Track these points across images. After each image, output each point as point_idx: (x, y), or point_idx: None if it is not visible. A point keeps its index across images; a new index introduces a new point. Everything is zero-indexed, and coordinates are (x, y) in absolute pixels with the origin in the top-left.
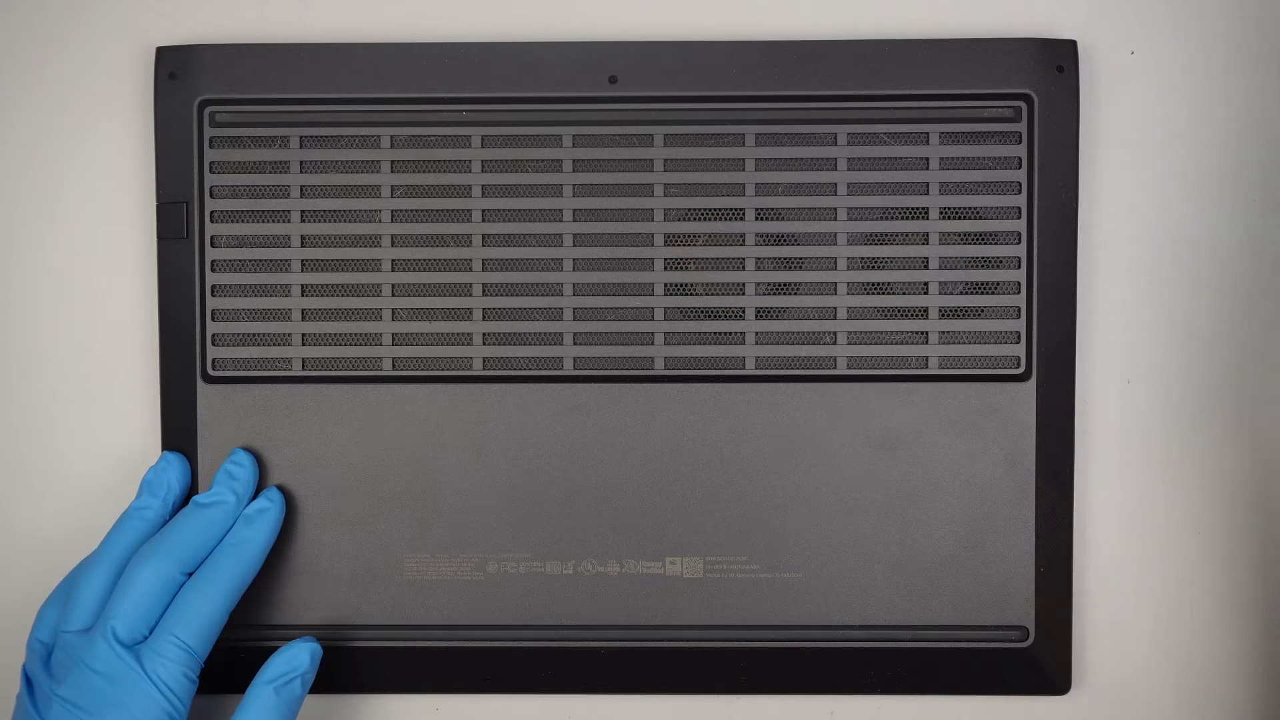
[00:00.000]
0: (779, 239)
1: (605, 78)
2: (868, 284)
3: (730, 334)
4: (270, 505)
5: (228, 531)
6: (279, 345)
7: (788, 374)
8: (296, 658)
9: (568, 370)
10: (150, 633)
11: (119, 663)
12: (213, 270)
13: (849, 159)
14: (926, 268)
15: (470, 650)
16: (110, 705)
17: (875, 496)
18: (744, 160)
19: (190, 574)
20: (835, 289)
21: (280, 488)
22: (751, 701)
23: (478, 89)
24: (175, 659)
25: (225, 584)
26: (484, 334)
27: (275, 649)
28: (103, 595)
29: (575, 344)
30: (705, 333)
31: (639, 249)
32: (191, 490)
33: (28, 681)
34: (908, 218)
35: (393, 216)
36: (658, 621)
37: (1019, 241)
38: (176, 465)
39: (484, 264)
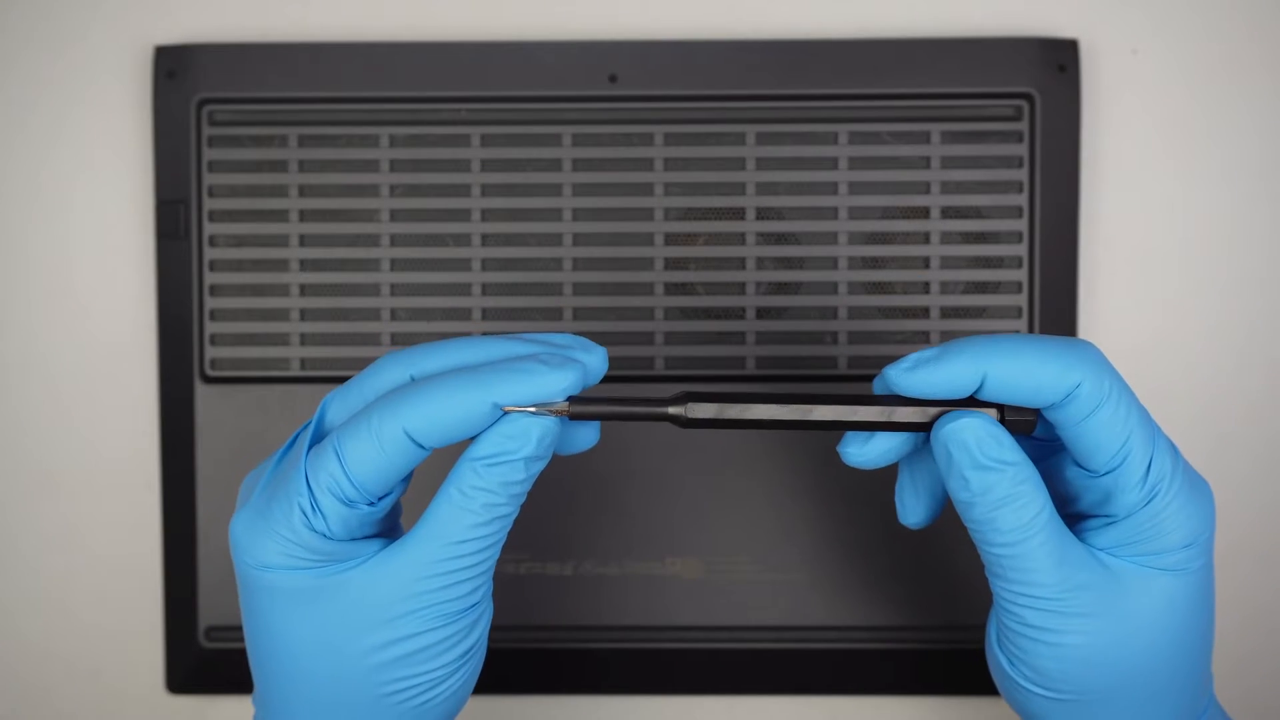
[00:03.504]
0: (779, 238)
1: (605, 77)
2: (868, 284)
3: (730, 334)
4: (556, 367)
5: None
6: (277, 345)
7: (788, 374)
8: (515, 434)
9: None
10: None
11: (299, 445)
12: (211, 270)
13: (850, 158)
14: (927, 268)
15: None
16: (266, 490)
17: (875, 497)
18: (744, 159)
19: None
20: (836, 289)
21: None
22: (751, 702)
23: (477, 88)
24: (325, 465)
25: (421, 399)
26: (484, 334)
27: None
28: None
29: None
30: (705, 333)
31: (639, 249)
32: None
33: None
34: (908, 217)
35: (392, 216)
36: (658, 622)
37: (1020, 241)
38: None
39: (483, 264)
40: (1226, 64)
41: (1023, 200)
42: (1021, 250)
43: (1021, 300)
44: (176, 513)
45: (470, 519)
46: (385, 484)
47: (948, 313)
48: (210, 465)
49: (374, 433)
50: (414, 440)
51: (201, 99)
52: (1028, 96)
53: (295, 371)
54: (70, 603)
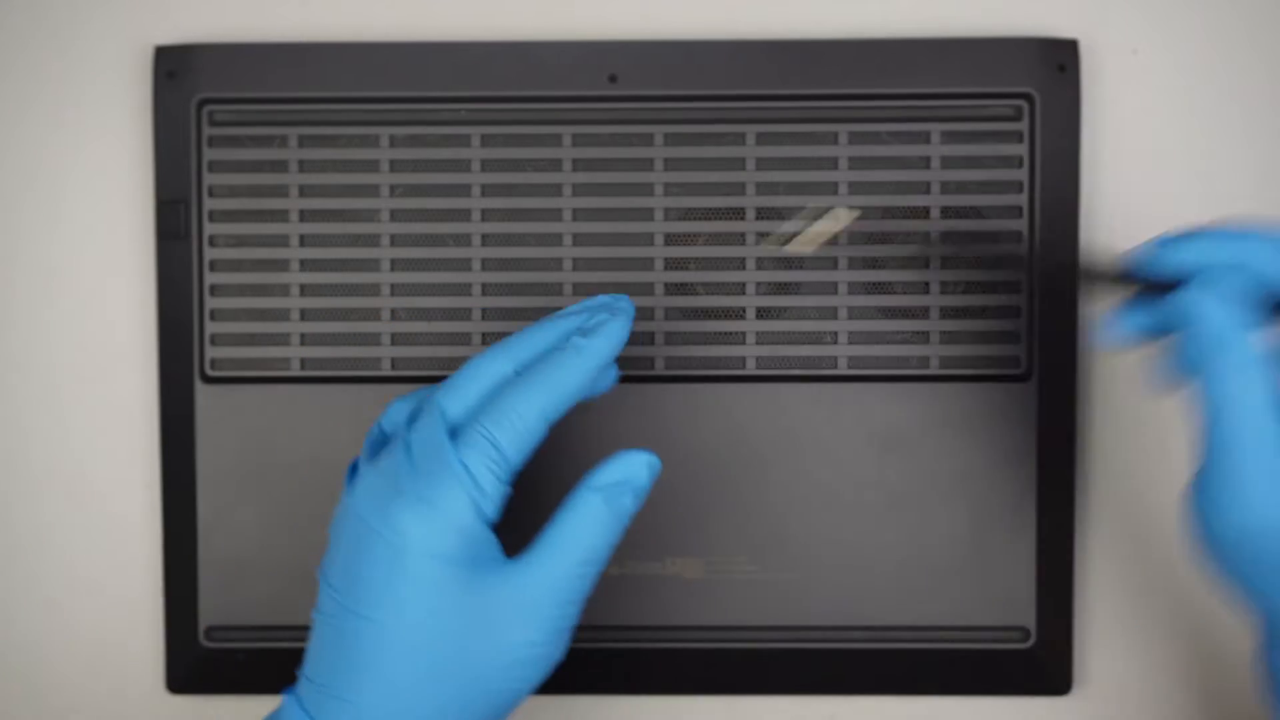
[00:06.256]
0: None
1: (605, 77)
2: (868, 284)
3: (730, 334)
4: (612, 317)
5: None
6: (278, 345)
7: (788, 374)
8: (632, 466)
9: None
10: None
11: (435, 438)
12: (211, 270)
13: (850, 158)
14: (927, 268)
15: None
16: (419, 480)
17: (875, 496)
18: (744, 159)
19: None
20: (835, 289)
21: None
22: (751, 702)
23: (477, 88)
24: (482, 451)
25: (541, 384)
26: (483, 334)
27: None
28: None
29: None
30: (705, 333)
31: (639, 249)
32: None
33: (353, 471)
34: (908, 217)
35: (392, 216)
36: (658, 622)
37: (1020, 241)
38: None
39: (483, 264)
40: (1226, 64)
41: (1023, 200)
42: (1021, 250)
43: (1021, 300)
44: (176, 513)
45: (609, 538)
46: (523, 463)
47: (947, 313)
48: (210, 465)
49: (518, 415)
50: (546, 420)
51: (201, 99)
52: (1028, 96)
53: (295, 371)
54: (70, 602)
